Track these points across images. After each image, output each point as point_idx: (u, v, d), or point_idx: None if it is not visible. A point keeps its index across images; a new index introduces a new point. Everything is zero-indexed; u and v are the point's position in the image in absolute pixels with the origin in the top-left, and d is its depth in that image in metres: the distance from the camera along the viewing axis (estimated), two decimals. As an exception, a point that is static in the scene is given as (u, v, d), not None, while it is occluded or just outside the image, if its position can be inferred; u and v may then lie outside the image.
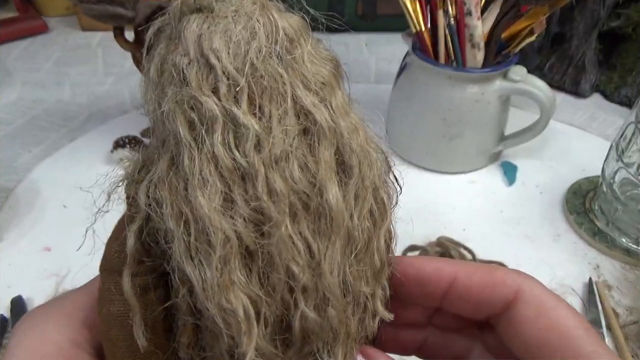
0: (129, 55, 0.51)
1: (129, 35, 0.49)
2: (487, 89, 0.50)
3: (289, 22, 0.15)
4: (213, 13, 0.14)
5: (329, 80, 0.15)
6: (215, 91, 0.14)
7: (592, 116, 0.66)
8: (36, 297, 0.42)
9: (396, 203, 0.18)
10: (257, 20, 0.14)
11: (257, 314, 0.13)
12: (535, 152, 0.59)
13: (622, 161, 0.45)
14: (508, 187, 0.55)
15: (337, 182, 0.14)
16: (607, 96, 0.69)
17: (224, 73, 0.14)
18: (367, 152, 0.15)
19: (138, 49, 0.48)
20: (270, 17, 0.14)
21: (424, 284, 0.19)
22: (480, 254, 0.45)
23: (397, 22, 0.83)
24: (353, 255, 0.15)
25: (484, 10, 0.49)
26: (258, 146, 0.13)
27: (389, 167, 0.17)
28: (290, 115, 0.14)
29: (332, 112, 0.15)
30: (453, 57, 0.50)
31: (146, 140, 0.57)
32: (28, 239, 0.47)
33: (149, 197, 0.14)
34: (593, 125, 0.65)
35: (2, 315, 0.39)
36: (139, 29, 0.46)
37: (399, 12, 0.50)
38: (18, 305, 0.40)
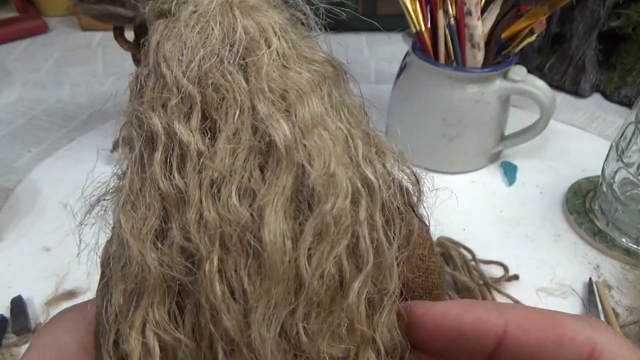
0: (129, 55, 0.51)
1: (129, 35, 0.49)
2: (487, 89, 0.50)
3: (258, 19, 0.13)
4: (174, 17, 0.13)
5: (302, 87, 0.13)
6: (164, 105, 0.12)
7: (592, 116, 0.66)
8: (36, 297, 0.42)
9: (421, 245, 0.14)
10: (214, 22, 0.12)
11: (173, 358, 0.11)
12: (535, 152, 0.59)
13: (622, 161, 0.45)
14: (508, 187, 0.55)
15: (287, 215, 0.12)
16: (607, 96, 0.69)
17: (174, 84, 0.12)
18: (341, 181, 0.12)
19: (138, 49, 0.48)
20: (230, 15, 0.12)
21: (462, 339, 0.14)
22: (480, 254, 0.45)
23: (397, 22, 0.84)
24: (306, 306, 0.12)
25: (484, 10, 0.49)
26: (198, 167, 0.12)
27: (407, 196, 0.14)
28: (245, 131, 0.12)
29: (295, 127, 0.12)
30: (453, 57, 0.50)
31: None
32: (28, 239, 0.47)
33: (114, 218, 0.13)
34: (593, 125, 0.65)
35: (2, 315, 0.39)
36: (139, 29, 0.46)
37: (399, 12, 0.50)
38: (18, 305, 0.40)
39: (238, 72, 0.12)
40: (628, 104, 0.67)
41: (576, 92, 0.69)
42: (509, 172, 0.56)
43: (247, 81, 0.12)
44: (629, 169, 0.44)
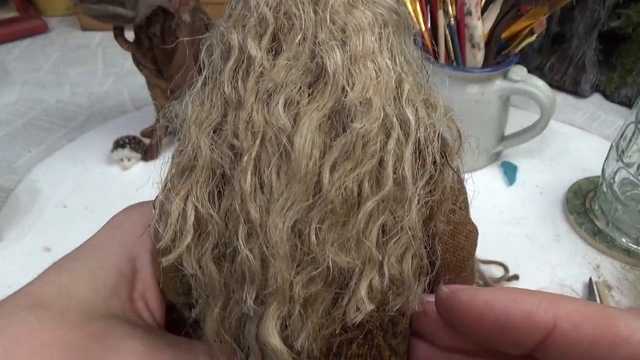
0: (129, 55, 0.51)
1: (129, 35, 0.49)
2: (487, 89, 0.50)
3: None
4: None
5: (361, 23, 0.14)
6: (245, 25, 0.14)
7: (592, 116, 0.66)
8: (36, 297, 0.41)
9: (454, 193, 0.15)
10: None
11: (201, 229, 0.14)
12: (535, 152, 0.59)
13: (622, 161, 0.45)
14: (508, 187, 0.55)
15: (321, 128, 0.13)
16: (607, 96, 0.69)
17: (255, 8, 0.14)
18: (382, 109, 0.14)
19: (138, 49, 0.48)
20: None
21: (508, 331, 0.14)
22: (480, 254, 0.45)
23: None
24: (321, 213, 0.13)
25: (484, 10, 0.49)
26: (258, 76, 0.14)
27: (444, 146, 0.15)
28: (304, 54, 0.14)
29: (346, 55, 0.14)
30: (453, 57, 0.50)
31: (146, 140, 0.57)
32: (28, 239, 0.47)
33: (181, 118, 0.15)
34: (593, 125, 0.65)
35: (2, 315, 0.39)
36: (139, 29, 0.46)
37: (399, 12, 0.50)
38: (18, 305, 0.40)
39: (309, 4, 0.14)
40: (628, 104, 0.67)
41: (576, 92, 0.69)
42: (509, 172, 0.56)
43: (315, 12, 0.14)
44: (629, 169, 0.44)
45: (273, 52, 0.14)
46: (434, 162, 0.15)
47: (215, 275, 0.14)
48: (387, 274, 0.14)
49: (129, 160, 0.53)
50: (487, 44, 0.49)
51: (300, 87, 0.14)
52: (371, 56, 0.14)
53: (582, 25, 0.65)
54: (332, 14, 0.14)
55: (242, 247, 0.13)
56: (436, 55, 0.50)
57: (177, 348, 0.17)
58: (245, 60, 0.14)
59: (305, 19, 0.14)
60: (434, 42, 0.50)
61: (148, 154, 0.54)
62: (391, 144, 0.14)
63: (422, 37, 0.50)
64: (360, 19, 0.14)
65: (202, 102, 0.14)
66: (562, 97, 0.70)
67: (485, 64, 0.49)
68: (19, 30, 0.81)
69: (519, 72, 0.50)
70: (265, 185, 0.13)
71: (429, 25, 0.50)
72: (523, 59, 0.71)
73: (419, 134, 0.14)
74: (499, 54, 0.50)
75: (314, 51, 0.14)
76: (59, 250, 0.46)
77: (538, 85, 0.50)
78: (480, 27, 0.48)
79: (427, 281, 0.15)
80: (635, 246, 0.46)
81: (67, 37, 0.83)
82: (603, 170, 0.48)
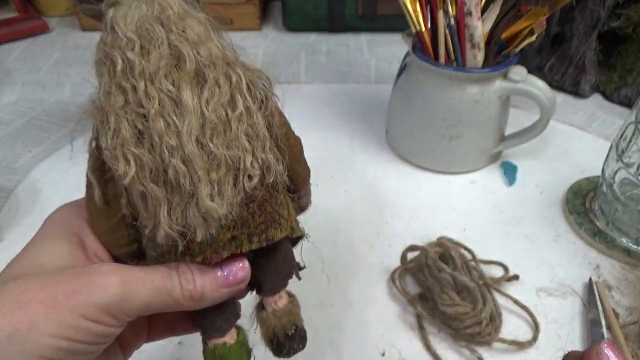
0: (129, 55, 0.51)
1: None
2: (487, 89, 0.50)
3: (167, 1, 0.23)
4: (118, 4, 0.23)
5: (191, 26, 0.23)
6: (119, 46, 0.22)
7: (592, 116, 0.66)
8: (36, 297, 0.41)
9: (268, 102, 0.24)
10: (142, 2, 0.22)
11: (141, 164, 0.21)
12: (535, 152, 0.59)
13: (622, 161, 0.45)
14: (508, 187, 0.55)
15: (194, 84, 0.22)
16: (607, 96, 0.69)
17: (123, 34, 0.22)
18: (221, 67, 0.23)
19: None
20: None
21: None
22: (480, 254, 0.45)
23: (397, 22, 0.84)
24: (210, 130, 0.22)
25: (484, 10, 0.49)
26: (141, 71, 0.22)
27: (265, 82, 0.25)
28: (164, 50, 0.22)
29: (191, 43, 0.22)
30: (453, 58, 0.50)
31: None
32: (28, 239, 0.47)
33: (94, 117, 0.23)
34: (593, 125, 0.65)
35: (2, 315, 0.39)
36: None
37: (399, 12, 0.50)
38: (18, 305, 0.40)
39: (156, 22, 0.22)
40: (628, 104, 0.67)
41: (576, 92, 0.69)
42: (509, 172, 0.56)
43: (162, 24, 0.22)
44: (629, 169, 0.44)
45: (145, 55, 0.22)
46: (261, 93, 0.24)
47: (157, 189, 0.22)
48: (259, 157, 0.23)
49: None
50: (487, 44, 0.49)
51: (170, 67, 0.22)
52: (205, 42, 0.23)
53: (582, 25, 0.65)
54: (172, 23, 0.22)
55: (172, 161, 0.21)
56: (436, 56, 0.51)
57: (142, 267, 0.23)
58: (128, 64, 0.22)
59: (157, 30, 0.22)
60: (434, 42, 0.50)
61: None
62: (234, 85, 0.23)
63: (422, 37, 0.50)
64: (190, 23, 0.23)
65: (109, 94, 0.22)
66: (562, 97, 0.70)
67: (485, 64, 0.49)
68: (19, 30, 0.81)
69: (519, 72, 0.50)
70: (170, 124, 0.21)
71: (429, 25, 0.50)
72: (523, 59, 0.72)
73: (248, 78, 0.24)
74: (499, 54, 0.50)
75: (170, 45, 0.22)
76: (59, 250, 0.46)
77: (538, 85, 0.50)
78: (480, 27, 0.48)
79: (284, 164, 0.24)
80: (635, 246, 0.46)
81: (67, 37, 0.83)
82: (603, 170, 0.48)
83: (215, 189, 0.22)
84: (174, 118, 0.21)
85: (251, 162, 0.23)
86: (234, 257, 0.23)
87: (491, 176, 0.56)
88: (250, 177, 0.23)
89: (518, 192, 0.54)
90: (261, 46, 0.82)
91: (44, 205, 0.51)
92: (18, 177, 0.54)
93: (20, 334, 0.19)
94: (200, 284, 0.23)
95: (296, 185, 0.27)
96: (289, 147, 0.25)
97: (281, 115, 0.26)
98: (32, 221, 0.49)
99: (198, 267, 0.23)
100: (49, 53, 0.78)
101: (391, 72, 0.75)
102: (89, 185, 0.25)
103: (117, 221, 0.24)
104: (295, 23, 0.84)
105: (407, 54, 0.54)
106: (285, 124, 0.26)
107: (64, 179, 0.54)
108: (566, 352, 0.21)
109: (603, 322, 0.40)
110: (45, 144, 0.59)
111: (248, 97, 0.23)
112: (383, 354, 0.39)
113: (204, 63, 0.22)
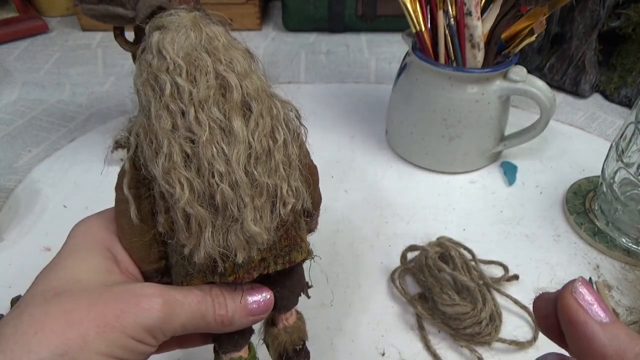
0: (129, 55, 0.51)
1: (129, 35, 0.49)
2: (487, 89, 0.50)
3: (212, 28, 0.24)
4: (165, 28, 0.24)
5: (236, 57, 0.24)
6: (167, 69, 0.23)
7: (592, 116, 0.66)
8: (36, 297, 0.41)
9: (302, 135, 0.26)
10: (190, 29, 0.23)
11: (191, 187, 0.22)
12: (535, 152, 0.59)
13: (622, 161, 0.45)
14: (508, 187, 0.55)
15: (242, 114, 0.23)
16: (607, 96, 0.69)
17: (171, 59, 0.23)
18: (264, 99, 0.24)
19: (138, 49, 0.48)
20: (199, 26, 0.24)
21: (585, 345, 0.18)
22: (480, 254, 0.45)
23: (397, 22, 0.84)
24: (255, 159, 0.23)
25: (484, 10, 0.49)
26: (190, 97, 0.22)
27: (296, 114, 0.26)
28: (211, 79, 0.23)
29: (238, 75, 0.23)
30: (453, 58, 0.50)
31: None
32: (28, 239, 0.47)
33: (136, 136, 0.24)
34: (593, 125, 0.65)
35: (2, 315, 0.39)
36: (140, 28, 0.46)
37: (399, 12, 0.50)
38: (18, 305, 0.40)
39: (204, 52, 0.23)
40: (628, 104, 0.67)
41: (576, 92, 0.69)
42: (509, 172, 0.56)
43: (209, 55, 0.23)
44: (629, 169, 0.44)
45: (193, 82, 0.23)
46: (296, 126, 0.26)
47: (203, 212, 0.22)
48: (292, 186, 0.24)
49: (129, 160, 0.53)
50: (487, 44, 0.49)
51: (218, 96, 0.23)
52: (250, 75, 0.24)
53: (582, 25, 0.65)
54: (219, 52, 0.23)
55: (220, 186, 0.22)
56: (436, 56, 0.51)
57: (177, 287, 0.24)
58: (177, 89, 0.22)
59: (205, 58, 0.23)
60: (434, 42, 0.50)
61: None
62: (274, 117, 0.24)
63: (422, 37, 0.50)
64: (235, 55, 0.24)
65: (159, 117, 0.22)
66: (562, 97, 0.70)
67: (485, 64, 0.49)
68: (19, 30, 0.81)
69: (519, 72, 0.50)
70: (219, 151, 0.22)
71: (429, 25, 0.50)
72: (523, 59, 0.72)
73: (284, 110, 0.25)
74: (499, 54, 0.50)
75: (218, 75, 0.23)
76: (59, 250, 0.46)
77: (538, 86, 0.50)
78: (480, 27, 0.48)
79: (308, 192, 0.26)
80: (635, 246, 0.46)
81: (67, 37, 0.83)
82: (603, 170, 0.48)
83: (258, 215, 0.23)
84: (223, 145, 0.22)
85: (287, 190, 0.24)
86: (259, 287, 0.25)
87: (491, 176, 0.56)
88: (284, 204, 0.24)
89: (518, 192, 0.54)
90: (261, 46, 0.82)
91: (44, 205, 0.51)
92: (18, 177, 0.54)
93: (72, 352, 0.19)
94: (232, 310, 0.24)
95: (311, 209, 0.28)
96: (312, 173, 0.27)
97: (304, 145, 0.27)
98: (32, 221, 0.49)
99: (230, 293, 0.24)
100: (49, 53, 0.78)
101: (391, 72, 0.75)
102: (121, 201, 0.25)
103: (150, 238, 0.25)
104: (295, 23, 0.84)
105: (407, 54, 0.54)
106: (309, 154, 0.27)
107: (64, 179, 0.54)
108: (537, 294, 0.22)
109: (603, 322, 0.40)
110: (45, 144, 0.59)
111: (285, 129, 0.24)
112: (383, 354, 0.39)
113: (251, 95, 0.23)
